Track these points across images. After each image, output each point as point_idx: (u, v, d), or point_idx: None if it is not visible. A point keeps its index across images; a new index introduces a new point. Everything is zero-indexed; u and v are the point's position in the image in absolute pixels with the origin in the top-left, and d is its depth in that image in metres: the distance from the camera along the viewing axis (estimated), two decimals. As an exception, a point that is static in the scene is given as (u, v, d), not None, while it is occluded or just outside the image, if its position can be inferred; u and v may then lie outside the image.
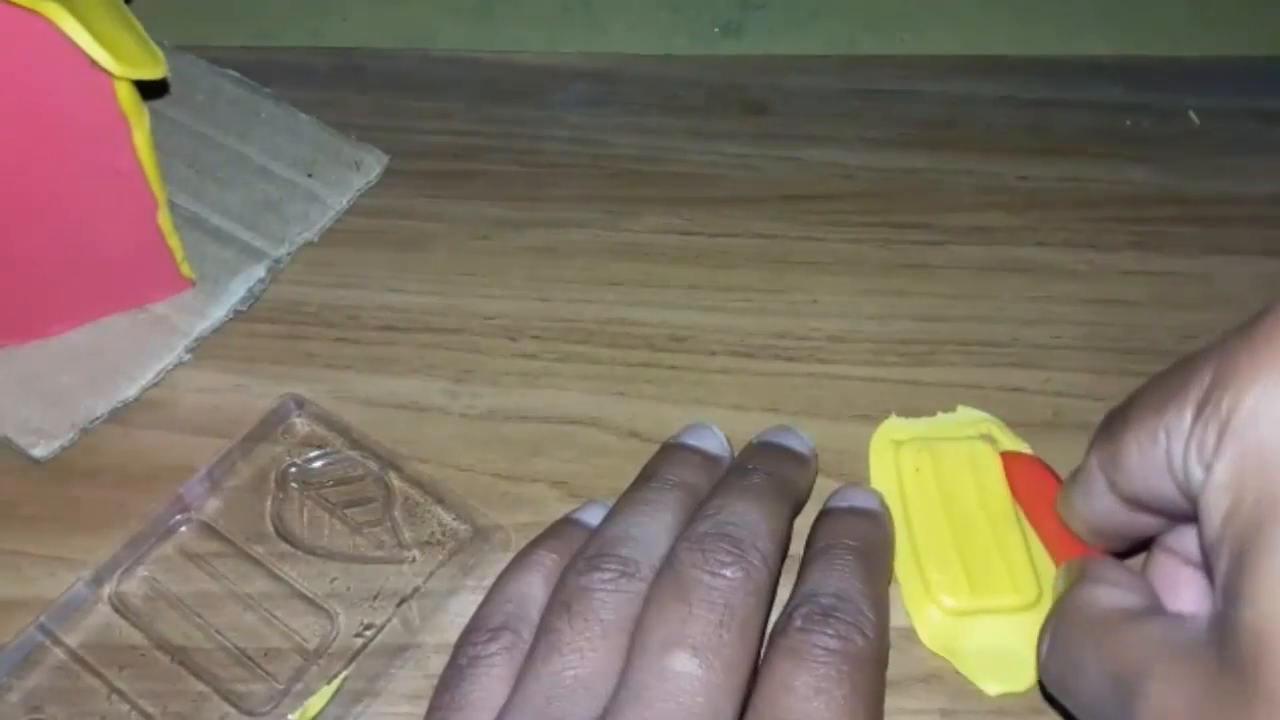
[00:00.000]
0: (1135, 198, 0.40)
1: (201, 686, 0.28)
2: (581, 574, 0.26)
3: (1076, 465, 0.28)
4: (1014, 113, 0.43)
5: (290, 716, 0.28)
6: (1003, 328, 0.36)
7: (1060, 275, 0.38)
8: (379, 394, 0.34)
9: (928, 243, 0.39)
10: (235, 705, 0.28)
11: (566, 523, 0.30)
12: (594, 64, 0.44)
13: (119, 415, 0.33)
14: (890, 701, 0.29)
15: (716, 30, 0.47)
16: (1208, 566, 0.21)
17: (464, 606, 0.30)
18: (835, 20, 0.47)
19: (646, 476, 0.29)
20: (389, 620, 0.29)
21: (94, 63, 0.28)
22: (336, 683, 0.28)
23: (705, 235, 0.39)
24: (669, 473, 0.29)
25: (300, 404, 0.33)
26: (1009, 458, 0.32)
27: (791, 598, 0.27)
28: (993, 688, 0.29)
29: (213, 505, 0.32)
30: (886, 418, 0.34)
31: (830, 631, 0.25)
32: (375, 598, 0.30)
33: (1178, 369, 0.23)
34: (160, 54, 0.30)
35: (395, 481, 0.32)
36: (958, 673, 0.29)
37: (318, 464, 0.32)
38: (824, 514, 0.30)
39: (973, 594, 0.30)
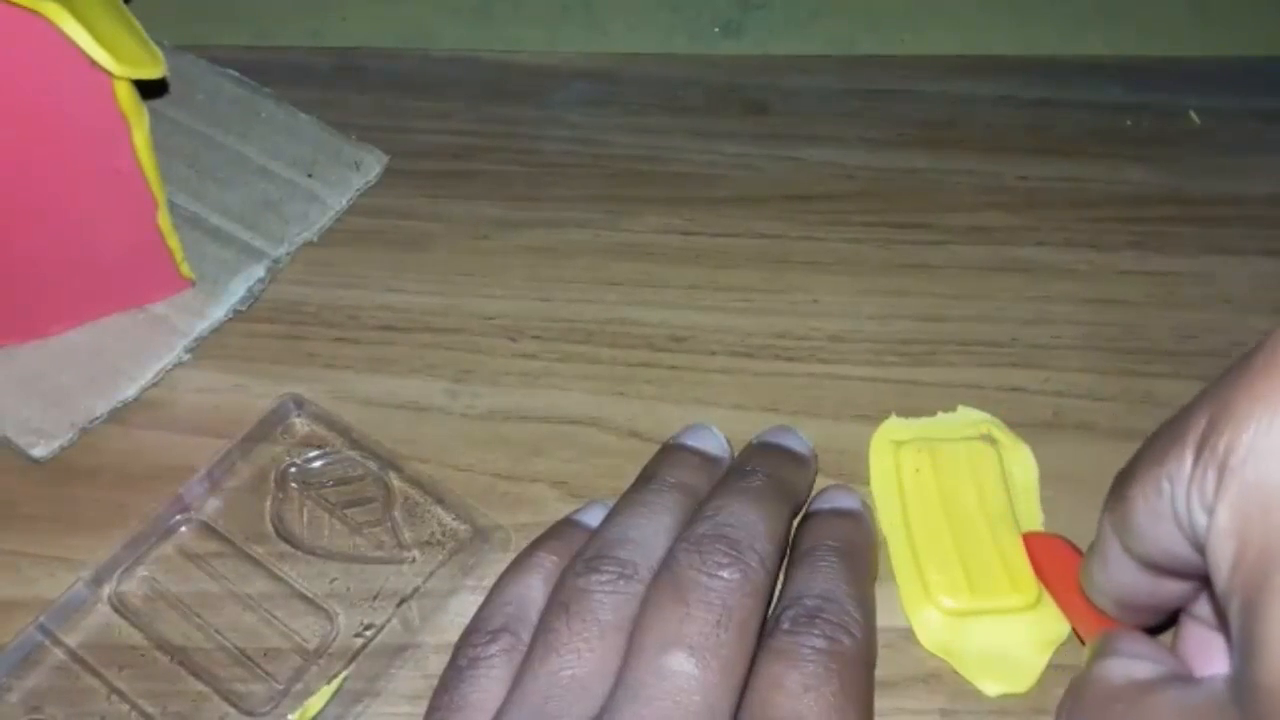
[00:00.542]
0: (1135, 198, 0.40)
1: (201, 686, 0.28)
2: (579, 576, 0.26)
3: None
4: (1014, 113, 0.43)
5: (290, 716, 0.28)
6: (1003, 328, 0.36)
7: (1060, 275, 0.38)
8: (379, 394, 0.34)
9: (928, 243, 0.39)
10: (235, 705, 0.28)
11: (567, 524, 0.30)
12: (594, 64, 0.44)
13: (119, 415, 0.33)
14: (890, 701, 0.29)
15: (716, 30, 0.47)
16: (1222, 621, 0.21)
17: (464, 606, 0.30)
18: (835, 20, 0.47)
19: (646, 478, 0.29)
20: (389, 620, 0.29)
21: (94, 63, 0.28)
22: (336, 683, 0.28)
23: (705, 235, 0.39)
24: (668, 474, 0.29)
25: (300, 404, 0.33)
26: (1031, 538, 0.31)
27: (779, 600, 0.27)
28: (992, 688, 0.29)
29: (212, 505, 0.32)
30: (886, 418, 0.34)
31: (817, 632, 0.25)
32: (375, 598, 0.30)
33: (1177, 415, 0.22)
34: (160, 54, 0.30)
35: (395, 481, 0.32)
36: (957, 673, 0.29)
37: (317, 464, 0.32)
38: (807, 516, 0.30)
39: (972, 595, 0.30)
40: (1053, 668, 0.29)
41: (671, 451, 0.31)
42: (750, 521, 0.27)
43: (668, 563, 0.26)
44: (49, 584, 0.30)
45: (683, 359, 0.35)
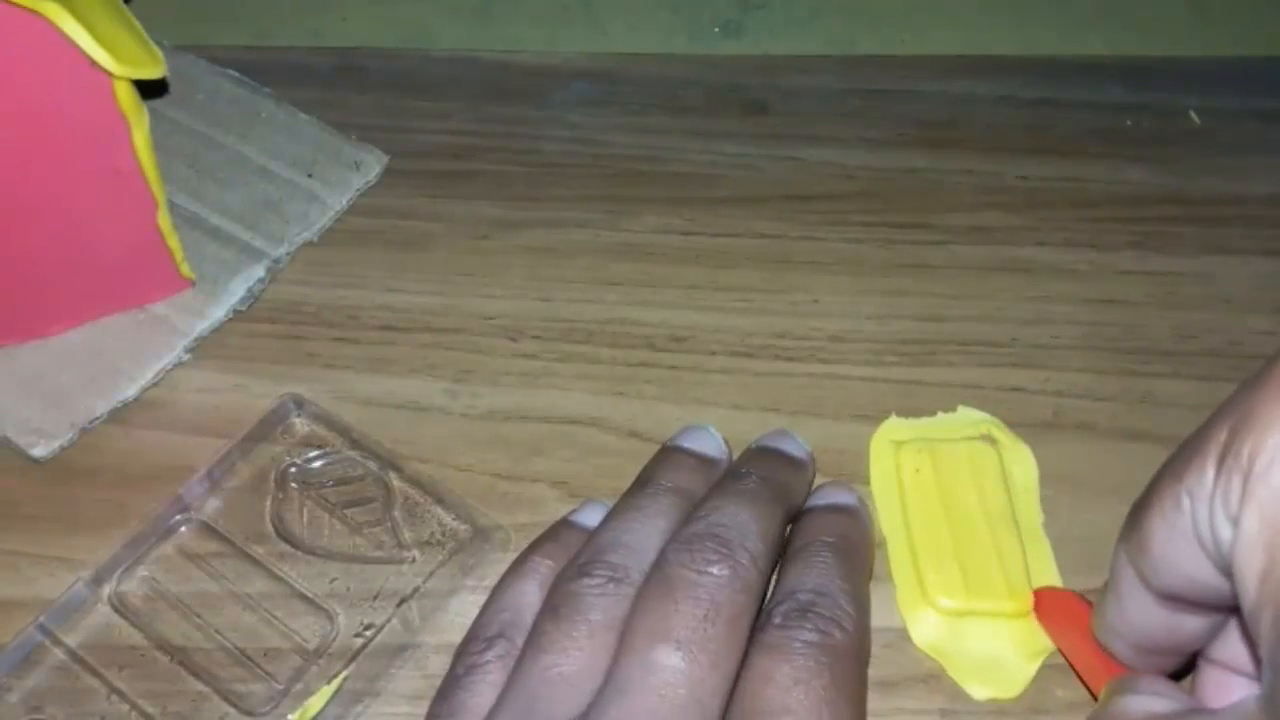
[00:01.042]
0: (1135, 198, 0.40)
1: (201, 686, 0.28)
2: (571, 581, 0.26)
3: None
4: (1014, 113, 0.43)
5: (290, 716, 0.28)
6: (1003, 328, 0.36)
7: (1060, 275, 0.38)
8: (379, 394, 0.34)
9: (928, 243, 0.39)
10: (235, 705, 0.28)
11: (564, 525, 0.30)
12: (594, 64, 0.44)
13: (119, 415, 0.33)
14: (890, 701, 0.29)
15: (716, 30, 0.47)
16: (1250, 642, 0.20)
17: (464, 606, 0.30)
18: (835, 20, 0.47)
19: (642, 482, 0.29)
20: (389, 620, 0.29)
21: (94, 63, 0.28)
22: (336, 683, 0.28)
23: (705, 235, 0.39)
24: (664, 478, 0.29)
25: (300, 404, 0.33)
26: (1042, 594, 0.30)
27: (772, 596, 0.27)
28: (980, 692, 0.29)
29: (212, 505, 0.32)
30: (886, 418, 0.34)
31: (809, 626, 0.25)
32: (375, 598, 0.30)
33: (1194, 434, 0.22)
34: (160, 54, 0.30)
35: (395, 481, 0.32)
36: (957, 673, 0.29)
37: (317, 464, 0.32)
38: (804, 513, 0.30)
39: (969, 595, 0.30)
40: (1047, 668, 0.29)
41: (668, 454, 0.31)
42: (743, 521, 0.27)
43: (658, 562, 0.26)
44: (49, 584, 0.30)
45: (683, 359, 0.35)
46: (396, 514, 0.32)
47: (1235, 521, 0.20)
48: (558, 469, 0.33)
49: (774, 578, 0.28)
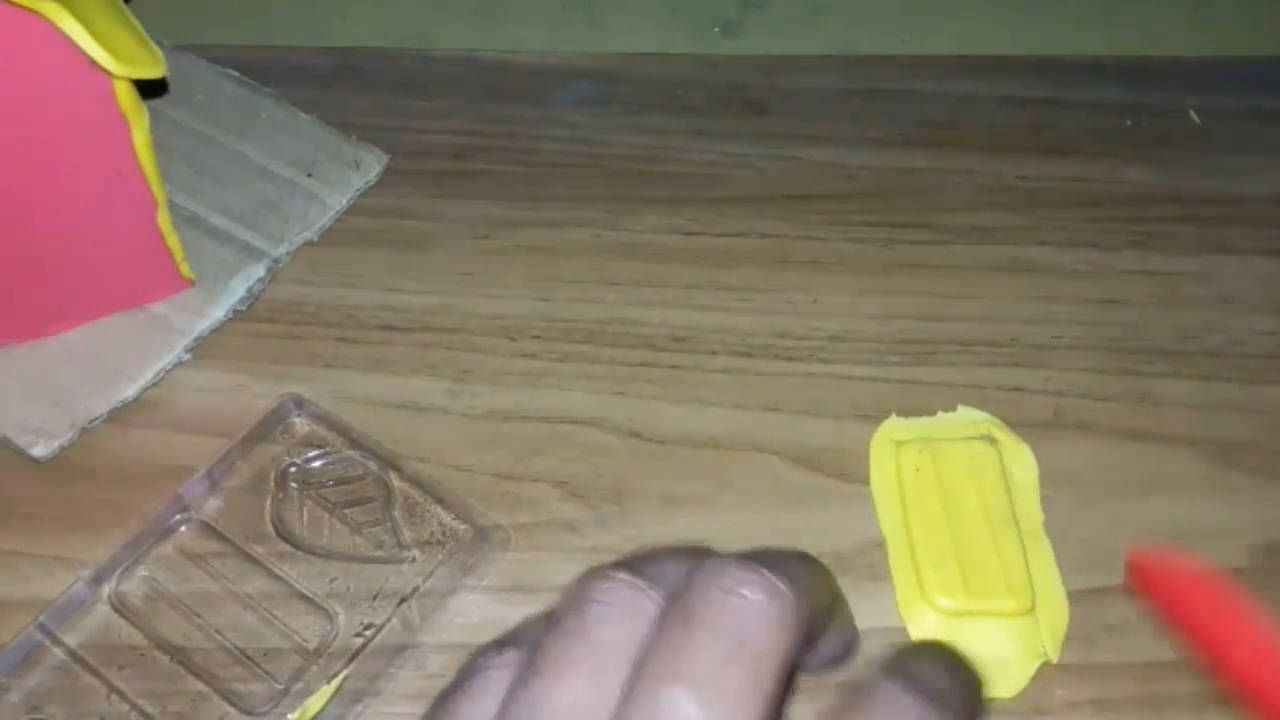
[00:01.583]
0: (1135, 197, 0.40)
1: (201, 686, 0.28)
2: (583, 584, 0.22)
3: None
4: (1014, 113, 0.43)
5: (290, 716, 0.28)
6: (1003, 328, 0.36)
7: (1061, 275, 0.38)
8: (379, 394, 0.34)
9: (928, 243, 0.39)
10: (235, 705, 0.28)
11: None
12: (594, 64, 0.44)
13: (118, 415, 0.33)
14: (890, 701, 0.29)
15: (716, 30, 0.47)
16: None
17: (464, 606, 0.30)
18: (835, 20, 0.47)
19: None
20: (389, 620, 0.29)
21: (94, 62, 0.28)
22: (336, 682, 0.28)
23: (706, 235, 0.39)
24: None
25: (300, 404, 0.33)
26: (1139, 560, 0.22)
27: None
28: None
29: (212, 505, 0.32)
30: (887, 418, 0.34)
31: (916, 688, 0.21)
32: (375, 598, 0.30)
33: None
34: (160, 54, 0.30)
35: (395, 481, 0.32)
36: (958, 673, 0.29)
37: (317, 464, 0.32)
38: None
39: (968, 595, 0.30)
40: (1047, 668, 0.29)
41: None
42: (790, 557, 0.23)
43: (685, 581, 0.22)
44: (49, 584, 0.30)
45: (683, 359, 0.35)
46: (396, 514, 0.32)
47: None
48: (558, 469, 0.33)
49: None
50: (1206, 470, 0.33)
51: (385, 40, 0.45)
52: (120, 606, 0.30)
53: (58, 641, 0.29)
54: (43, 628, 0.29)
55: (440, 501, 0.32)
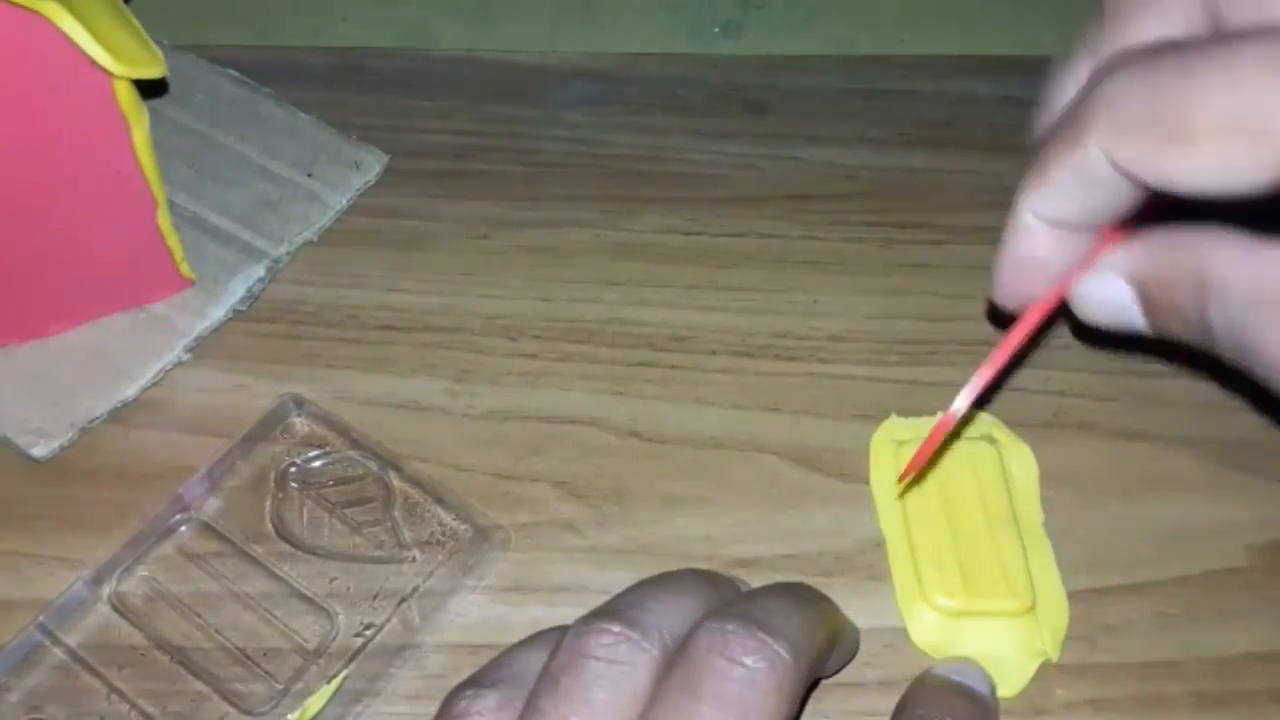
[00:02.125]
0: (1135, 198, 0.40)
1: (201, 686, 0.28)
2: (579, 636, 0.22)
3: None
4: (1014, 113, 0.43)
5: (290, 716, 0.28)
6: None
7: (1060, 275, 0.38)
8: (379, 394, 0.34)
9: (928, 242, 0.39)
10: (235, 705, 0.28)
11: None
12: (594, 64, 0.44)
13: (118, 415, 0.33)
14: (889, 701, 0.29)
15: (716, 30, 0.47)
16: None
17: (464, 606, 0.30)
18: (835, 20, 0.47)
19: None
20: (389, 620, 0.29)
21: (94, 62, 0.28)
22: (336, 682, 0.28)
23: (706, 235, 0.39)
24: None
25: (300, 404, 0.33)
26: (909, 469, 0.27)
27: None
28: None
29: (212, 505, 0.32)
30: (886, 418, 0.34)
31: None
32: (375, 598, 0.30)
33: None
34: (160, 54, 0.30)
35: (395, 481, 0.32)
36: (958, 673, 0.29)
37: (317, 464, 0.32)
38: (928, 677, 0.27)
39: (968, 595, 0.30)
40: (1047, 668, 0.29)
41: None
42: (787, 609, 0.23)
43: (685, 646, 0.22)
44: (49, 584, 0.30)
45: (683, 359, 0.35)
46: (396, 514, 0.32)
47: None
48: (558, 469, 0.33)
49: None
50: (1206, 470, 0.33)
51: (385, 40, 0.45)
52: (120, 606, 0.30)
53: (58, 641, 0.29)
54: (43, 628, 0.29)
55: (440, 501, 0.32)
